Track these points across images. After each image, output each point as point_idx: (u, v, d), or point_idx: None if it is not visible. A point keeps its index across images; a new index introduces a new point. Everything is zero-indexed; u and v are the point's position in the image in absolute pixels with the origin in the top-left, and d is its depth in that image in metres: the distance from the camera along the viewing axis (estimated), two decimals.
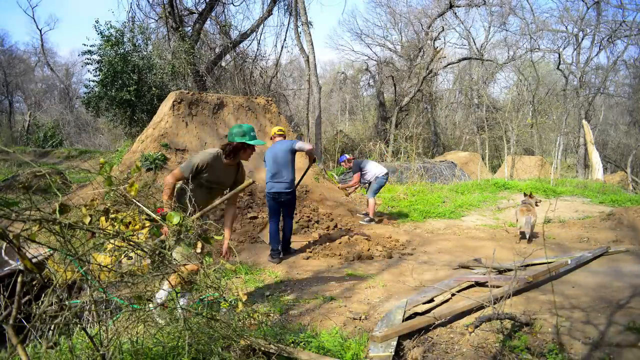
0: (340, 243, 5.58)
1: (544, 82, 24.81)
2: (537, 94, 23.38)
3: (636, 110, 23.90)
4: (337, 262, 5.12)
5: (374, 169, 7.41)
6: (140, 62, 12.41)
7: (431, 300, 3.43)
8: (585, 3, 20.14)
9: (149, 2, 15.36)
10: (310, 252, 5.41)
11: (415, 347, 2.72)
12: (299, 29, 14.31)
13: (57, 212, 1.49)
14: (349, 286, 4.18)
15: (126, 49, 12.41)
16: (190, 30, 15.28)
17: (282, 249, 5.28)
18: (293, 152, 5.14)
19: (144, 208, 1.80)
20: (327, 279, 4.44)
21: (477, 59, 23.64)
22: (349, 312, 3.39)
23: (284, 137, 5.51)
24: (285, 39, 18.23)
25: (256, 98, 9.58)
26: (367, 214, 7.29)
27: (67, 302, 1.65)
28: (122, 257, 1.86)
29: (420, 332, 2.85)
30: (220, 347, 2.10)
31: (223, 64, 17.05)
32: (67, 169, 12.93)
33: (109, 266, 1.87)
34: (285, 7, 16.46)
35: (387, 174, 7.44)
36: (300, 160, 8.97)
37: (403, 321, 2.94)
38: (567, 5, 21.99)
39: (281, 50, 17.58)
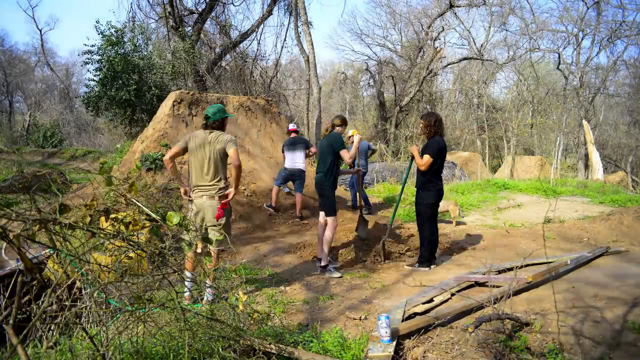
0: (345, 245, 5.57)
1: (544, 82, 24.80)
2: (537, 94, 23.37)
3: (636, 110, 23.90)
4: (341, 262, 5.12)
5: None
6: (140, 62, 12.42)
7: (431, 300, 3.43)
8: (585, 3, 20.14)
9: (149, 2, 15.39)
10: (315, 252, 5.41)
11: (415, 347, 2.72)
12: (299, 29, 14.32)
13: (57, 212, 1.49)
14: (350, 286, 4.18)
15: (126, 49, 12.43)
16: (190, 30, 15.29)
17: None
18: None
19: (144, 208, 1.80)
20: (329, 279, 4.44)
21: (477, 59, 23.64)
22: (349, 312, 3.39)
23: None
24: (285, 39, 18.27)
25: (256, 98, 9.59)
26: None
27: (67, 302, 1.65)
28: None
29: (420, 332, 2.85)
30: (220, 347, 2.10)
31: (223, 64, 17.06)
32: (68, 169, 12.94)
33: (109, 266, 1.87)
34: (285, 7, 16.47)
35: None
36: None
37: (402, 321, 2.94)
38: (567, 5, 21.97)
39: (281, 50, 17.62)
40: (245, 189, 7.70)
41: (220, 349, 2.10)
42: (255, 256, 5.53)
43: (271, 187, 7.72)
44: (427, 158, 4.50)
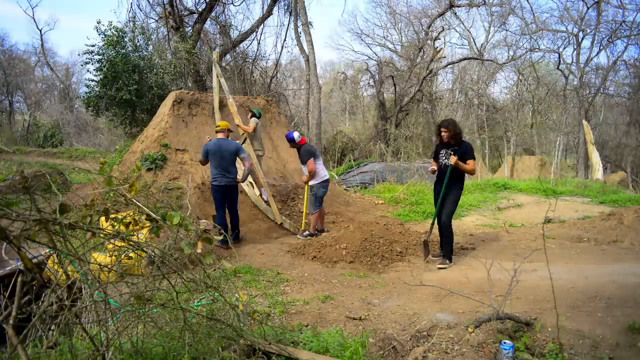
0: (344, 244, 5.57)
1: (544, 82, 24.80)
2: (537, 94, 23.38)
3: (636, 110, 23.89)
4: (341, 262, 5.12)
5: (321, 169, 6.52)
6: (140, 62, 12.41)
7: None
8: (585, 3, 20.13)
9: (149, 2, 15.37)
10: (318, 251, 5.41)
11: (415, 347, 2.72)
12: (299, 29, 14.32)
13: (57, 212, 1.49)
14: (350, 286, 4.18)
15: (127, 49, 12.43)
16: (190, 31, 15.28)
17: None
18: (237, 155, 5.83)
19: (144, 208, 1.80)
20: (329, 279, 4.44)
21: (477, 59, 23.64)
22: (349, 312, 3.39)
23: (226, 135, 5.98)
24: (285, 39, 18.26)
25: (256, 98, 9.59)
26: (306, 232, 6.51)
27: (66, 302, 1.65)
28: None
29: (421, 332, 2.85)
30: (220, 347, 2.10)
31: (223, 64, 17.04)
32: (68, 169, 12.93)
33: (109, 266, 1.87)
34: (285, 7, 16.48)
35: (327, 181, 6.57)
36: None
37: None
38: (567, 5, 21.94)
39: (281, 50, 17.61)
40: (244, 190, 7.70)
41: (220, 349, 2.10)
42: (256, 256, 5.53)
43: (270, 187, 7.71)
44: (473, 162, 4.87)
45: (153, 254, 1.85)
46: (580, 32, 21.68)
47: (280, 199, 7.79)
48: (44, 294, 1.62)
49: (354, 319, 3.24)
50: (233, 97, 9.08)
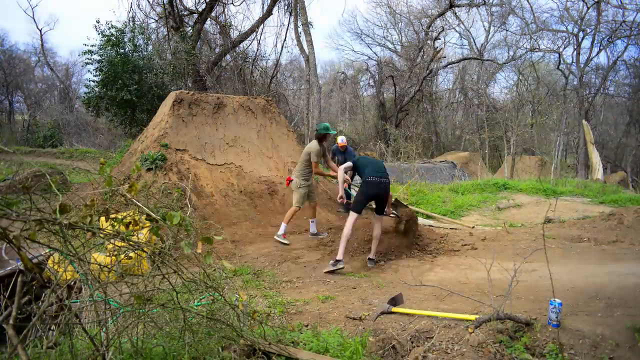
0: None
1: (544, 82, 24.80)
2: (537, 94, 23.38)
3: (636, 110, 23.89)
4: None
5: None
6: (140, 62, 12.42)
7: None
8: (585, 3, 20.14)
9: (149, 2, 15.38)
10: (319, 252, 5.41)
11: (415, 346, 2.72)
12: (299, 29, 14.32)
13: (57, 212, 1.49)
14: (350, 286, 4.18)
15: (127, 49, 12.44)
16: (190, 31, 15.29)
17: None
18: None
19: (144, 208, 1.80)
20: (329, 279, 4.44)
21: (477, 59, 23.65)
22: (349, 312, 3.39)
23: None
24: (285, 39, 18.25)
25: (256, 98, 9.58)
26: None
27: (67, 302, 1.65)
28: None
29: (421, 332, 2.85)
30: (220, 347, 2.10)
31: (223, 64, 17.05)
32: (67, 169, 12.93)
33: (109, 266, 1.87)
34: (285, 7, 16.48)
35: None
36: None
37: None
38: (567, 5, 21.95)
39: (281, 50, 17.61)
40: (243, 190, 7.70)
41: (220, 349, 2.10)
42: (257, 256, 5.53)
43: (270, 187, 7.70)
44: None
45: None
46: (580, 32, 21.70)
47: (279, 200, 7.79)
48: (44, 294, 1.62)
49: (354, 319, 3.24)
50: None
